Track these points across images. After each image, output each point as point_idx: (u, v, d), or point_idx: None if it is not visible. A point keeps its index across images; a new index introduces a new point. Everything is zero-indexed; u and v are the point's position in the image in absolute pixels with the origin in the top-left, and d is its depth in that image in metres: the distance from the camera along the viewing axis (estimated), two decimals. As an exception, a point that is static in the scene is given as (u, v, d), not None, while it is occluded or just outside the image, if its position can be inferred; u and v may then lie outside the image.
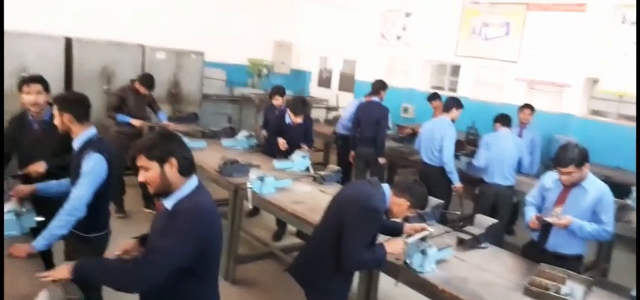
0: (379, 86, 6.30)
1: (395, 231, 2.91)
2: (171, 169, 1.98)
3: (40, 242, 2.53)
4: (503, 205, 5.14)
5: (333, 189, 4.27)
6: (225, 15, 9.78)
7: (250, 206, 4.22)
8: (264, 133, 6.12)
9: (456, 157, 6.02)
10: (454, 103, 5.47)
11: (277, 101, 5.91)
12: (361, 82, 10.10)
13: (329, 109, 10.25)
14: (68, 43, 6.71)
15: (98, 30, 7.33)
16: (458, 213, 4.34)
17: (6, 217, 2.63)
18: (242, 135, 5.75)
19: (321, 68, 11.79)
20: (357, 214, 2.63)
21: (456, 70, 9.23)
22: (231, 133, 6.02)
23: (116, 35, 7.31)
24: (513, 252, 3.44)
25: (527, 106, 6.14)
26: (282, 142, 5.35)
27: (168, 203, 2.02)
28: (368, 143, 6.07)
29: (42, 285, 2.01)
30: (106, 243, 3.01)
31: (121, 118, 5.56)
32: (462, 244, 3.25)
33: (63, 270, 1.96)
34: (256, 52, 10.41)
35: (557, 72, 7.53)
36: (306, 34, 11.27)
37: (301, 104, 5.40)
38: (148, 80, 5.73)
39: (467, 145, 6.86)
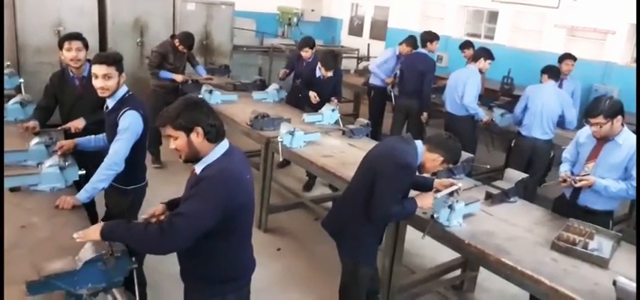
0: (427, 37, 6.09)
1: (425, 186, 2.93)
2: (197, 137, 2.01)
3: (83, 195, 2.68)
4: (540, 160, 5.05)
5: (362, 143, 4.31)
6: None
7: (281, 159, 4.31)
8: (284, 70, 6.21)
9: (489, 107, 5.93)
10: (484, 53, 5.35)
11: (306, 53, 5.86)
12: (394, 30, 9.90)
13: (360, 58, 10.12)
14: (101, -5, 6.79)
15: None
16: (487, 166, 4.31)
17: (51, 170, 2.78)
18: (272, 88, 5.79)
19: (353, 15, 11.57)
20: (389, 169, 2.67)
21: (493, 16, 8.91)
22: (262, 86, 6.07)
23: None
24: (544, 206, 3.42)
25: (569, 56, 5.89)
26: (313, 96, 5.36)
27: (198, 168, 2.07)
28: (409, 95, 5.98)
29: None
30: (144, 194, 3.15)
31: (164, 74, 5.67)
32: (490, 198, 3.25)
33: (95, 232, 2.03)
34: (286, 0, 10.29)
35: (599, 18, 7.17)
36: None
37: (332, 58, 5.38)
38: (187, 39, 5.73)
39: (501, 95, 6.70)
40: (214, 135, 2.05)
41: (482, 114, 5.45)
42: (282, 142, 4.06)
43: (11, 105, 3.82)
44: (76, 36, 3.51)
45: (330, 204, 5.07)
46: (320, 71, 5.36)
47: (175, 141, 2.04)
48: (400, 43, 6.65)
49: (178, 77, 5.71)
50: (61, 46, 3.52)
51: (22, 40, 6.32)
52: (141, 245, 2.06)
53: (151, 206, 2.32)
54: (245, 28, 9.15)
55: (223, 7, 7.79)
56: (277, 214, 4.72)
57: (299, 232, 4.68)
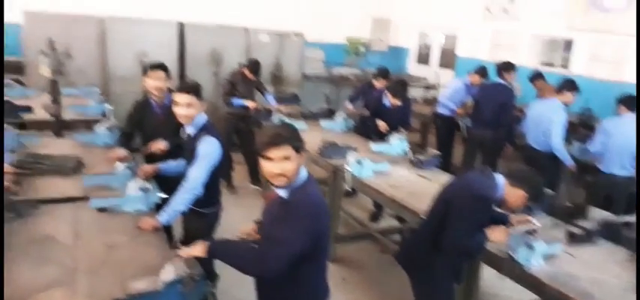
0: (504, 67, 5.91)
1: (501, 222, 2.82)
2: (302, 160, 2.08)
3: (163, 217, 2.79)
4: (620, 197, 4.70)
5: (432, 174, 4.23)
6: (325, -7, 9.91)
7: (349, 188, 4.31)
8: (350, 107, 6.17)
9: (567, 141, 5.63)
10: (568, 85, 5.05)
11: (380, 83, 5.88)
12: (463, 59, 9.73)
13: (428, 87, 10.00)
14: (181, 27, 7.20)
15: (207, 14, 7.80)
16: (568, 204, 4.06)
17: (134, 193, 2.93)
18: (340, 116, 5.85)
19: (420, 44, 11.50)
20: (465, 201, 2.61)
21: (568, 45, 8.54)
22: (330, 114, 6.14)
23: (223, 19, 7.70)
24: (630, 249, 3.17)
25: None
26: (382, 125, 5.34)
27: (283, 192, 2.11)
28: (485, 126, 5.83)
29: (167, 258, 2.25)
30: (219, 218, 3.27)
31: (237, 102, 5.90)
32: (572, 238, 3.06)
33: (200, 249, 2.14)
34: (354, 31, 10.42)
35: (691, 46, 6.67)
36: (405, 8, 11.02)
37: (401, 86, 5.36)
38: (254, 66, 6.00)
39: (580, 128, 6.36)
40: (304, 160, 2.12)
41: (570, 160, 5.04)
42: (350, 171, 4.06)
43: (100, 130, 4.11)
44: (161, 66, 3.74)
45: (397, 236, 5.00)
46: (388, 100, 5.36)
47: (287, 163, 2.02)
48: (470, 73, 6.54)
49: (251, 104, 5.91)
50: (145, 74, 3.76)
51: (110, 69, 6.82)
52: (241, 266, 2.11)
53: (225, 229, 2.41)
54: (314, 57, 9.35)
55: (294, 38, 8.03)
56: (344, 244, 4.70)
57: (365, 264, 4.62)
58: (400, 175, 4.21)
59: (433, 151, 4.61)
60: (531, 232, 2.70)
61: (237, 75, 6.04)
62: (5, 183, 2.86)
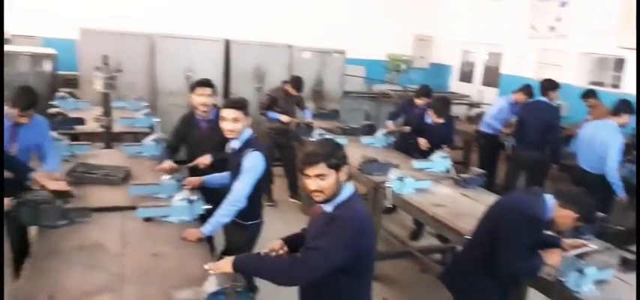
0: (547, 86, 5.72)
1: (552, 246, 2.72)
2: (343, 176, 2.09)
3: (207, 228, 2.85)
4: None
5: (477, 193, 4.13)
6: (367, 11, 9.95)
7: (389, 205, 4.26)
8: (390, 124, 6.11)
9: (620, 163, 5.39)
10: (625, 106, 4.82)
11: (421, 101, 5.83)
12: (507, 77, 9.52)
13: (471, 105, 9.83)
14: (227, 44, 7.38)
15: (251, 32, 7.97)
16: (620, 227, 3.87)
17: (180, 204, 3.00)
18: (380, 133, 5.82)
19: (463, 61, 11.34)
20: (515, 222, 2.55)
21: (618, 63, 8.21)
22: (370, 130, 6.11)
23: (267, 37, 7.85)
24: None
25: None
26: (423, 142, 5.28)
27: (328, 207, 2.12)
28: (531, 147, 5.66)
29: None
30: (260, 230, 3.31)
31: (272, 115, 6.00)
32: (625, 264, 2.91)
33: (226, 264, 2.15)
34: (396, 48, 10.41)
35: None
36: (447, 26, 10.92)
37: (443, 104, 5.29)
38: (297, 82, 6.11)
39: (632, 149, 6.07)
40: (348, 174, 2.13)
41: (622, 190, 4.74)
42: (391, 188, 4.02)
43: (147, 142, 4.25)
44: (207, 83, 3.84)
45: (438, 256, 4.90)
46: (430, 117, 5.30)
47: (323, 179, 2.06)
48: (515, 92, 6.40)
49: (285, 118, 5.99)
50: (193, 90, 3.87)
51: (158, 84, 7.05)
52: (272, 276, 2.12)
53: (265, 241, 2.42)
54: (355, 74, 9.38)
55: (336, 55, 8.09)
56: (383, 261, 4.64)
57: (406, 283, 4.54)
58: (443, 194, 4.13)
59: (477, 170, 4.50)
60: (582, 256, 2.60)
61: (279, 91, 6.13)
62: (65, 187, 3.03)
